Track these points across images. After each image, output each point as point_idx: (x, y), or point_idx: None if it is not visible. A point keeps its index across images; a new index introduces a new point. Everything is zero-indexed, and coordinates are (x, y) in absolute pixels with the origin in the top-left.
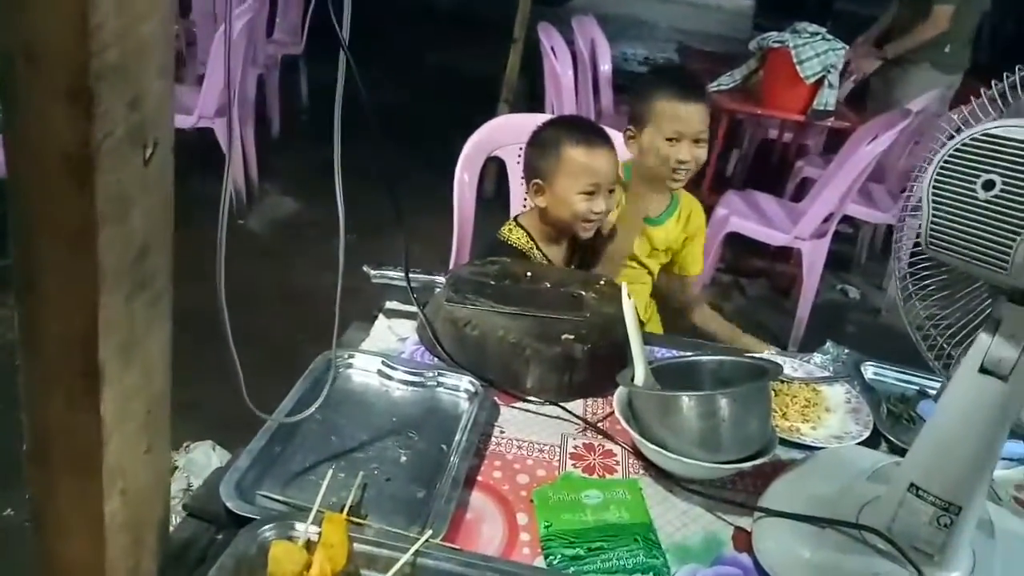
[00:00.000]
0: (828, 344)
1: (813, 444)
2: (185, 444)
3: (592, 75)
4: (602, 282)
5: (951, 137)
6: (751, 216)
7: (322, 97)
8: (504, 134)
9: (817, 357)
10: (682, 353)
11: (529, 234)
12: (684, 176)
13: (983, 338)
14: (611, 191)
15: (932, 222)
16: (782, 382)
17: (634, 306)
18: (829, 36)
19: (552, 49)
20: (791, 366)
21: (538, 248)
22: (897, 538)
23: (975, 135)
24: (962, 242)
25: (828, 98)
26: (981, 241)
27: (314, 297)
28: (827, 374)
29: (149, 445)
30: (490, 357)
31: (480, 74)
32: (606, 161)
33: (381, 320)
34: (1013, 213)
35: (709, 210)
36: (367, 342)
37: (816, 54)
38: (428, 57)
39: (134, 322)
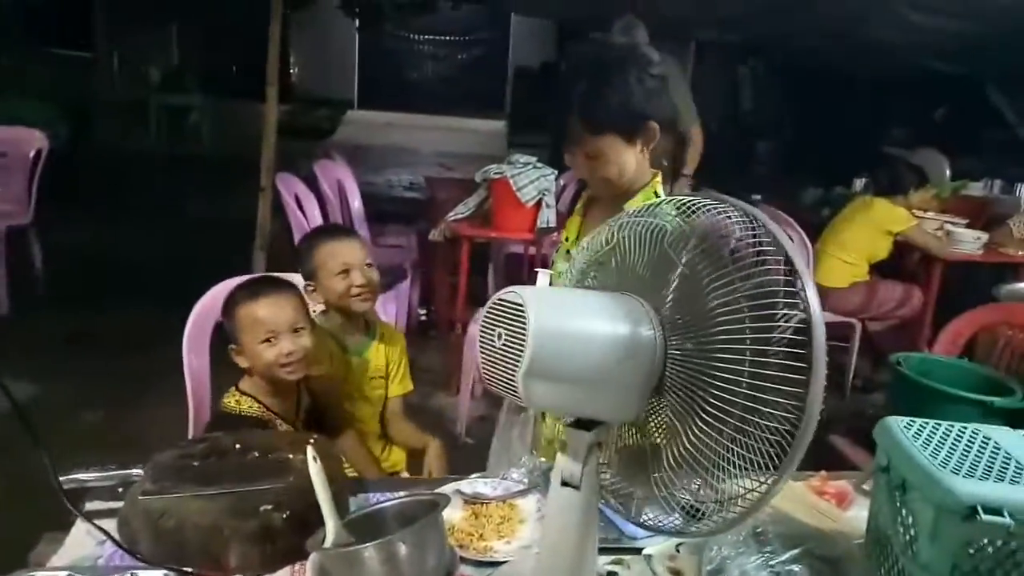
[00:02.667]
0: (524, 458)
1: (503, 559)
2: None
3: (344, 213)
4: (314, 439)
5: None
6: None
7: (59, 263)
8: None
9: (514, 472)
10: (373, 503)
11: (255, 397)
12: (369, 296)
13: (559, 457)
14: (297, 330)
15: (481, 365)
16: (481, 504)
17: (320, 469)
18: (539, 164)
19: (296, 195)
20: (490, 486)
21: (268, 409)
22: None
23: (493, 300)
24: (494, 378)
25: (548, 216)
26: (501, 376)
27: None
28: (523, 486)
29: None
30: (189, 545)
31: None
32: (278, 307)
33: (78, 526)
34: (510, 354)
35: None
36: (59, 554)
37: (530, 181)
38: (187, 205)
39: None
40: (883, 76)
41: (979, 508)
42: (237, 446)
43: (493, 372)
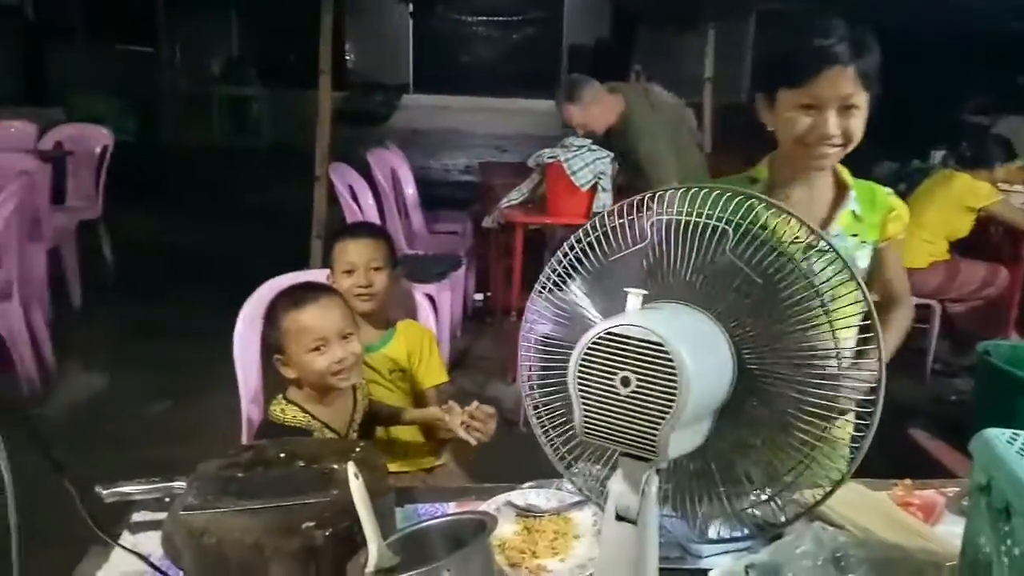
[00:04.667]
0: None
1: None
2: None
3: (397, 200)
4: (358, 449)
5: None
6: None
7: (128, 256)
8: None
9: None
10: (421, 516)
11: (302, 407)
12: (370, 299)
13: (612, 485)
14: (346, 336)
15: (583, 414)
16: (534, 517)
17: (362, 486)
18: (594, 147)
19: (350, 186)
20: (544, 497)
21: (316, 419)
22: None
23: (602, 333)
24: (613, 431)
25: (605, 200)
26: (629, 430)
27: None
28: (579, 498)
29: None
30: (232, 564)
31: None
32: (325, 314)
33: (125, 537)
34: (651, 405)
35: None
36: (104, 569)
37: (585, 164)
38: (247, 195)
39: None
40: (963, 40)
41: None
42: (282, 455)
43: (615, 426)
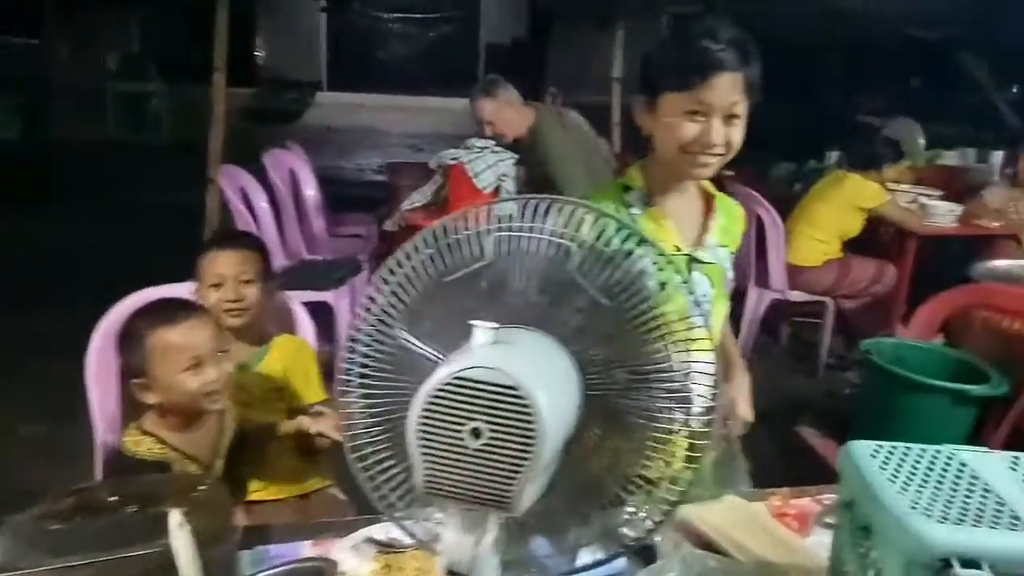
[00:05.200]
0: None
1: None
2: None
3: (298, 203)
4: (203, 487)
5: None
6: None
7: (6, 262)
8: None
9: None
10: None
11: (159, 437)
12: (240, 314)
13: (445, 539)
14: (220, 355)
15: (427, 472)
16: (395, 553)
17: (187, 540)
18: (497, 149)
19: (242, 189)
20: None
21: (176, 449)
22: None
23: (448, 380)
24: (462, 487)
25: None
26: (481, 485)
27: None
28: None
29: None
30: None
31: (195, 211)
32: (196, 331)
33: None
34: (506, 456)
35: None
36: None
37: (488, 166)
38: (141, 196)
39: None
40: (859, 44)
41: (953, 560)
42: (113, 498)
43: (464, 481)
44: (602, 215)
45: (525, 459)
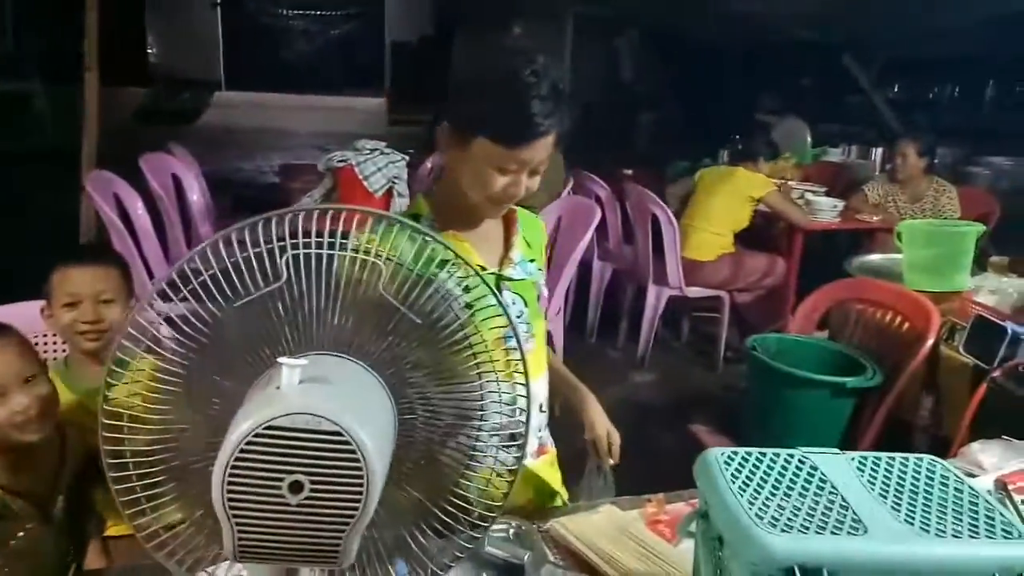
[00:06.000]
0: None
1: None
2: None
3: (182, 210)
4: (21, 535)
5: None
6: None
7: None
8: None
9: None
10: None
11: None
12: (97, 337)
13: None
14: (28, 380)
15: (240, 536)
16: None
17: None
18: (387, 150)
19: (115, 195)
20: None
21: (1, 488)
22: None
23: (258, 430)
24: (281, 548)
25: (401, 206)
26: (304, 542)
27: None
28: None
29: None
30: None
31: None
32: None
33: None
34: (332, 508)
35: None
36: None
37: (378, 168)
38: (15, 206)
39: None
40: (754, 47)
41: (797, 569)
42: None
43: (284, 541)
44: (415, 231)
45: (354, 508)
